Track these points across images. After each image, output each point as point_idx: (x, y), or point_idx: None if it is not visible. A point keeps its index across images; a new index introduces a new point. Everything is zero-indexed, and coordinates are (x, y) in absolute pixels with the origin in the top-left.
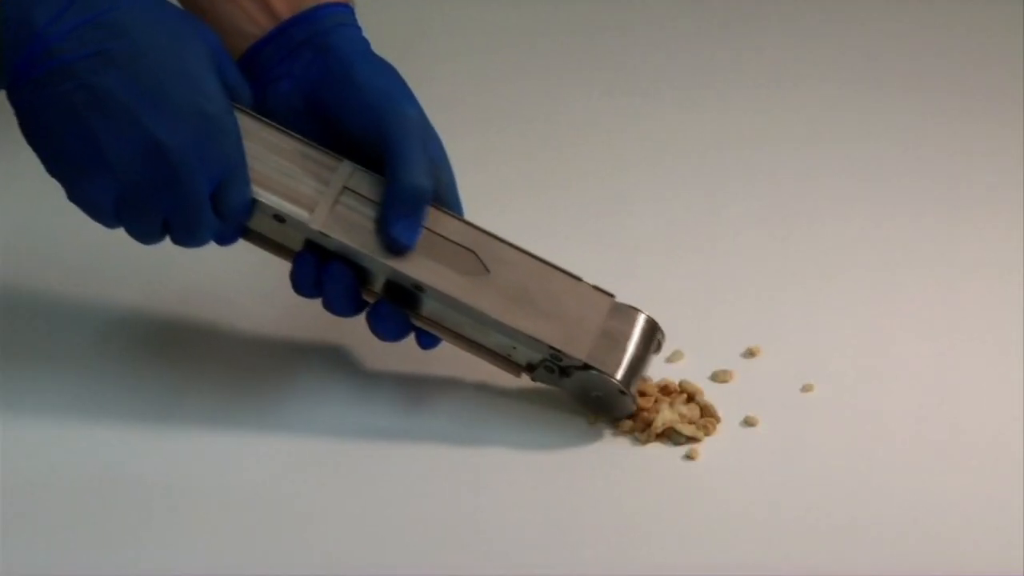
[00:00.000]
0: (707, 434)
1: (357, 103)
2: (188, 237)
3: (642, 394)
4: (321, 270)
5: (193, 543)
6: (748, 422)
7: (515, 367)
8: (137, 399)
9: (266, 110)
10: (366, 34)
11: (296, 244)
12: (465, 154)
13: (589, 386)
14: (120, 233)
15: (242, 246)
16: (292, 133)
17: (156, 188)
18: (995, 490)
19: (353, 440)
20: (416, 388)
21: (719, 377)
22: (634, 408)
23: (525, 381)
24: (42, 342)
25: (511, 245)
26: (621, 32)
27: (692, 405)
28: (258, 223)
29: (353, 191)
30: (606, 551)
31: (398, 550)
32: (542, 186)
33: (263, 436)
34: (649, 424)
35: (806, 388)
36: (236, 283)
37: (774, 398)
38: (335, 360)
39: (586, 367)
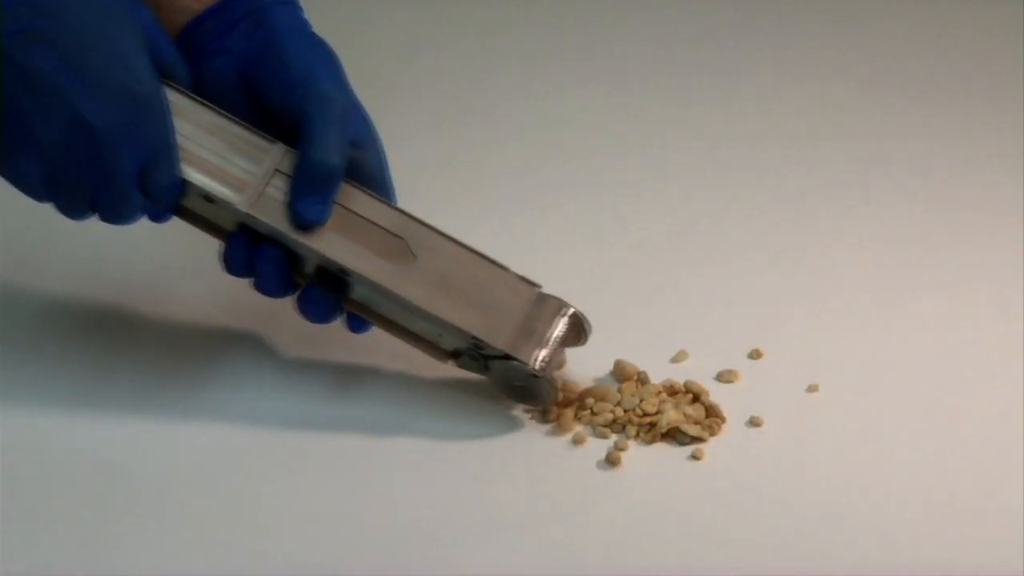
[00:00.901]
0: (712, 434)
1: (281, 79)
2: (114, 215)
3: (576, 395)
4: (253, 251)
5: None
6: (753, 422)
7: (442, 353)
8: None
9: (203, 86)
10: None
11: (229, 224)
12: (467, 155)
13: (511, 375)
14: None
15: (177, 225)
16: (226, 114)
17: (81, 167)
18: (1002, 490)
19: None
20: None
21: (724, 377)
22: (554, 399)
23: (455, 371)
24: None
25: (440, 233)
26: (632, 31)
27: (697, 405)
28: (191, 202)
29: (285, 174)
30: (610, 551)
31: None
32: (542, 187)
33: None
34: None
35: (811, 388)
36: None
37: (779, 398)
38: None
39: (506, 357)
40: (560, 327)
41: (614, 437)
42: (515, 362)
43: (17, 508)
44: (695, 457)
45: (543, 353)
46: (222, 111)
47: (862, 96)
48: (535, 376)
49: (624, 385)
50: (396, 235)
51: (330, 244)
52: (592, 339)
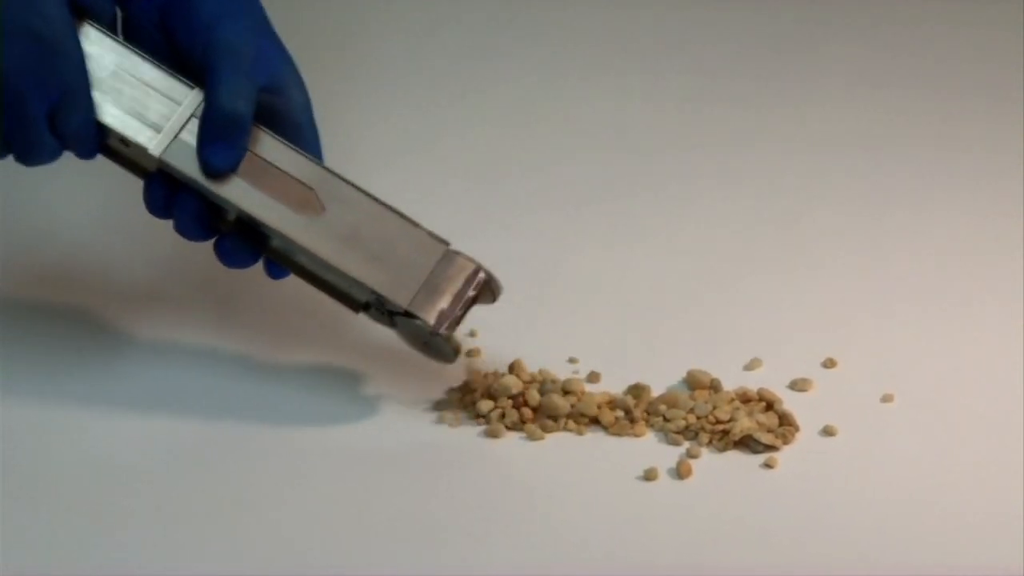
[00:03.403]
0: (786, 443)
1: (189, 24)
2: (27, 156)
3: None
4: (171, 195)
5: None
6: (827, 431)
7: (355, 304)
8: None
9: (130, 28)
10: None
11: (151, 166)
12: (539, 157)
13: (413, 331)
14: None
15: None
16: (147, 56)
17: None
18: None
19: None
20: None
21: (798, 386)
22: (454, 357)
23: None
24: None
25: (353, 186)
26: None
27: (770, 413)
28: (113, 144)
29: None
30: (682, 559)
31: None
32: (613, 191)
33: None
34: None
35: (886, 398)
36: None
37: (853, 408)
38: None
39: (407, 314)
40: (465, 285)
41: (686, 444)
42: (416, 319)
43: None
44: (768, 466)
45: (444, 311)
46: (143, 53)
47: (935, 102)
48: (436, 334)
49: (696, 392)
50: (307, 185)
51: (238, 192)
52: (665, 346)
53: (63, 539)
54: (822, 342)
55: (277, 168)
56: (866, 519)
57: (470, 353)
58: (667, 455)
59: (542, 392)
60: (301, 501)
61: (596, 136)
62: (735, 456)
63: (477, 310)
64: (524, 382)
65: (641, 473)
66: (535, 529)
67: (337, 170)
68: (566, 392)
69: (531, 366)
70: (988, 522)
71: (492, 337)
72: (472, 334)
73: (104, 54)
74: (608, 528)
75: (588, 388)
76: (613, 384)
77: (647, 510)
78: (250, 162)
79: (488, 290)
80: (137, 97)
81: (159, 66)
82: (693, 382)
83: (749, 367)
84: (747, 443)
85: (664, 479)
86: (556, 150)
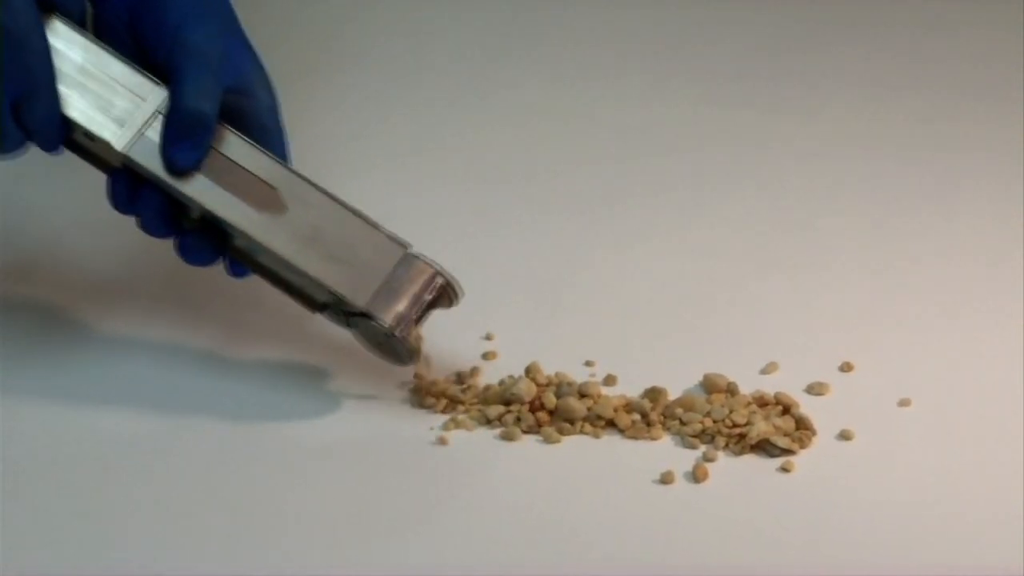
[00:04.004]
0: (803, 447)
1: (157, 22)
2: None
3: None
4: (135, 191)
5: None
6: (844, 436)
7: (314, 305)
8: None
9: (99, 24)
10: None
11: (117, 162)
12: (551, 157)
13: (370, 333)
14: None
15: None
16: (115, 52)
17: None
18: None
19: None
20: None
21: (815, 390)
22: (412, 358)
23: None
24: None
25: (316, 187)
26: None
27: (787, 417)
28: (79, 138)
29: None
30: (698, 562)
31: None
32: (630, 194)
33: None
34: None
35: (903, 402)
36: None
37: (871, 412)
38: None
39: (363, 315)
40: (423, 289)
41: (703, 448)
42: (373, 321)
43: None
44: (784, 470)
45: (401, 313)
46: (111, 49)
47: (958, 104)
48: (392, 336)
49: (713, 396)
50: (270, 185)
51: (201, 189)
52: (682, 349)
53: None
54: (839, 346)
55: (240, 167)
56: (883, 524)
57: (486, 356)
58: (683, 459)
59: (558, 395)
60: (313, 501)
61: (613, 139)
62: (751, 460)
63: (496, 313)
64: (540, 385)
65: (657, 476)
66: (551, 532)
67: (302, 171)
68: (582, 395)
69: (547, 369)
70: (1006, 527)
71: (509, 340)
72: (489, 337)
73: (71, 49)
74: (624, 531)
75: (604, 391)
76: (629, 387)
77: (663, 514)
78: (214, 160)
79: (446, 294)
80: (103, 92)
81: (126, 62)
82: (710, 386)
83: (766, 371)
84: (764, 447)
85: (680, 483)
86: (572, 153)
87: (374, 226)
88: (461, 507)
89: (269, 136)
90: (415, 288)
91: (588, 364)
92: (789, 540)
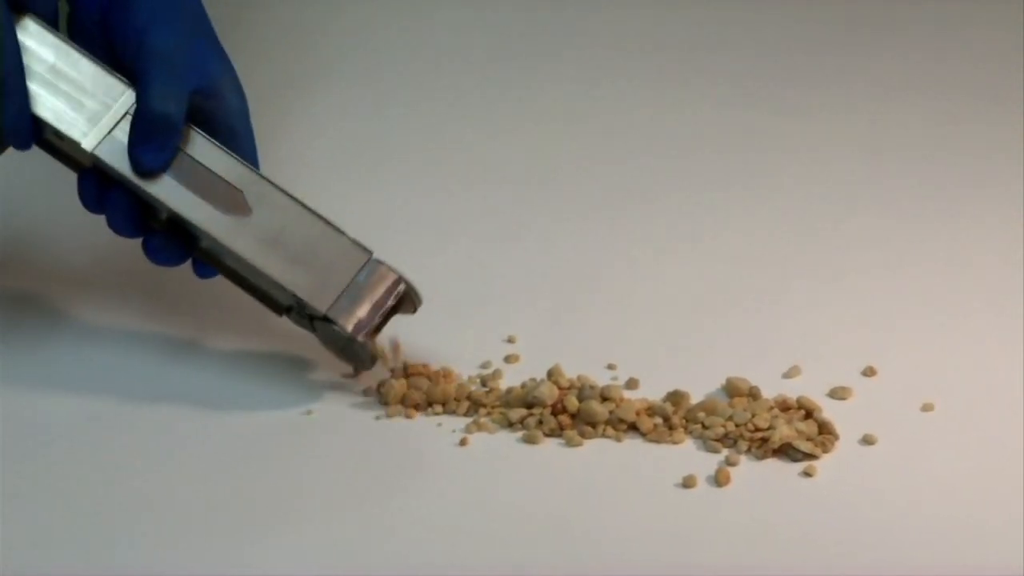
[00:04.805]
0: (825, 451)
1: (126, 23)
2: None
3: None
4: (104, 190)
5: None
6: (867, 440)
7: (278, 308)
8: None
9: (74, 23)
10: None
11: (87, 161)
12: (563, 157)
13: (332, 336)
14: None
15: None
16: (86, 52)
17: None
18: None
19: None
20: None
21: (837, 394)
22: (371, 364)
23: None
24: None
25: (281, 190)
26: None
27: (810, 422)
28: (49, 137)
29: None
30: (720, 565)
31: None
32: (652, 197)
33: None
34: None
35: (926, 407)
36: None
37: (894, 416)
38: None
39: (325, 318)
40: (385, 295)
41: (725, 451)
42: (334, 325)
43: None
44: (807, 474)
45: (362, 319)
46: (82, 49)
47: (980, 106)
48: (352, 341)
49: (735, 400)
50: (235, 187)
51: (167, 190)
52: (704, 353)
53: None
54: (862, 350)
55: (207, 169)
56: (906, 528)
57: (508, 359)
58: (706, 462)
59: (580, 398)
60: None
61: (636, 142)
62: (774, 464)
63: (519, 316)
64: (562, 388)
65: (679, 480)
66: (572, 536)
67: (267, 175)
68: (604, 398)
69: (569, 372)
70: None
71: (531, 343)
72: (511, 340)
73: (42, 48)
74: (646, 535)
75: (626, 395)
76: (651, 391)
77: (685, 517)
78: (181, 162)
79: (408, 300)
80: (73, 92)
81: (97, 62)
82: (732, 389)
83: (788, 375)
84: (786, 451)
85: (703, 486)
86: (595, 155)
87: (338, 231)
88: (482, 510)
89: (237, 139)
90: (377, 294)
91: (610, 367)
92: (811, 545)
